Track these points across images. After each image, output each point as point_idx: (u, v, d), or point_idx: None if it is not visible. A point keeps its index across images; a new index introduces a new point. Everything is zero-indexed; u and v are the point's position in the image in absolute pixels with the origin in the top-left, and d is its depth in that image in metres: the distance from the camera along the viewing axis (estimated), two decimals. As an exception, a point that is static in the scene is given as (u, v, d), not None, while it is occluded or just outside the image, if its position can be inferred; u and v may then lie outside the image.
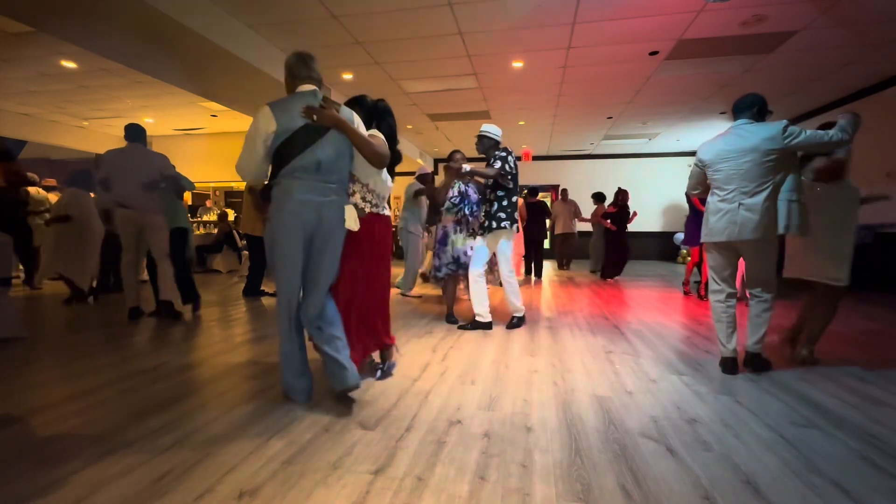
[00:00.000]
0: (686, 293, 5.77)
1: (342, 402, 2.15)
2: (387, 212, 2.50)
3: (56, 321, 4.20)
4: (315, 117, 2.01)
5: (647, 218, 10.27)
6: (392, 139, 2.45)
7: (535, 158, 11.05)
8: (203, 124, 9.61)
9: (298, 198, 2.02)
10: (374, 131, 2.38)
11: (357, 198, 2.37)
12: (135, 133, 4.09)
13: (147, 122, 9.24)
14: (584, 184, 9.76)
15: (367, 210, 2.38)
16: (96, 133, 10.12)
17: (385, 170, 2.42)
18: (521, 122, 8.63)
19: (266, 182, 2.17)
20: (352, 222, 2.14)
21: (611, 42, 5.05)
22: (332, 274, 2.17)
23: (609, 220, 7.46)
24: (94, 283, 5.42)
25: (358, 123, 2.18)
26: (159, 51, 4.63)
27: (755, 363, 2.69)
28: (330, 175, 2.08)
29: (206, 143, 10.33)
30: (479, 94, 6.91)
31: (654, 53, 5.34)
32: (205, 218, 9.75)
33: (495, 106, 7.55)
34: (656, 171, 11.44)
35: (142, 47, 4.56)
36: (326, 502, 1.40)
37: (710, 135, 9.47)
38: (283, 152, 2.01)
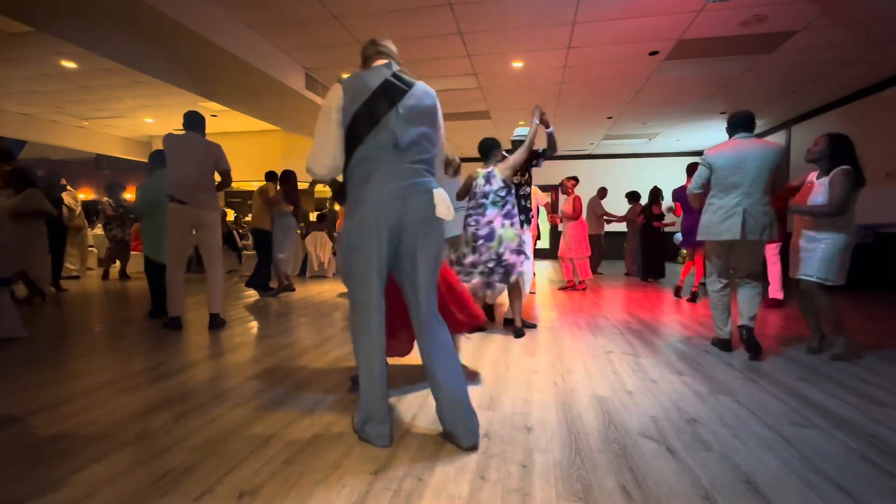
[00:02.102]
0: (690, 299, 5.32)
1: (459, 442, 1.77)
2: None
3: (56, 321, 4.20)
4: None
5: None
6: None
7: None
8: (203, 124, 9.61)
9: (377, 186, 1.70)
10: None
11: None
12: (192, 121, 3.78)
13: (147, 122, 9.24)
14: (584, 184, 9.75)
15: None
16: (96, 133, 10.13)
17: None
18: (521, 123, 8.62)
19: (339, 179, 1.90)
20: (444, 210, 1.79)
21: (611, 42, 5.05)
22: (434, 279, 1.82)
23: (655, 221, 7.19)
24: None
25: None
26: (159, 51, 4.64)
27: (751, 337, 2.97)
28: (413, 154, 1.76)
29: (206, 143, 10.34)
30: (479, 94, 6.91)
31: (654, 53, 5.35)
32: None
33: (495, 106, 7.56)
34: (656, 171, 11.44)
35: (142, 47, 4.56)
36: (326, 502, 1.40)
37: (711, 135, 9.59)
38: (355, 130, 1.72)
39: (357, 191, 1.75)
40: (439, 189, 1.82)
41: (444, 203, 1.80)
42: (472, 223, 3.39)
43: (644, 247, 7.43)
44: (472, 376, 2.58)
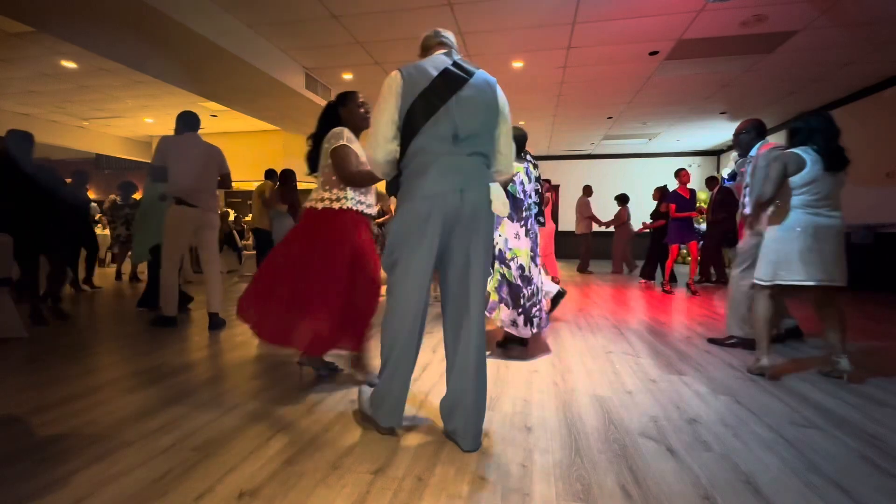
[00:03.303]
0: (667, 291, 5.88)
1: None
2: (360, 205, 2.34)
3: (56, 321, 4.19)
4: None
5: (646, 218, 10.31)
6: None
7: (536, 158, 11.05)
8: (203, 124, 9.56)
9: (436, 178, 1.64)
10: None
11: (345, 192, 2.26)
12: (192, 122, 3.79)
13: (147, 122, 9.24)
14: (584, 184, 9.81)
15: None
16: (96, 133, 10.13)
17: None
18: (521, 122, 8.63)
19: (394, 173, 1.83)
20: (500, 205, 1.72)
21: (611, 42, 5.05)
22: (485, 274, 1.76)
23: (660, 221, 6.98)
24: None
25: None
26: (159, 51, 4.64)
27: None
28: (471, 146, 1.69)
29: (206, 143, 10.35)
30: (479, 94, 6.90)
31: (654, 53, 5.35)
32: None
33: (495, 106, 7.54)
34: (656, 171, 11.45)
35: (141, 47, 4.57)
36: (326, 502, 1.40)
37: (711, 135, 9.59)
38: (412, 119, 1.66)
39: (412, 182, 1.69)
40: (496, 184, 1.76)
41: (500, 198, 1.73)
42: (530, 229, 2.96)
43: (663, 249, 6.79)
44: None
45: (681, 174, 5.87)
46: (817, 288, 2.47)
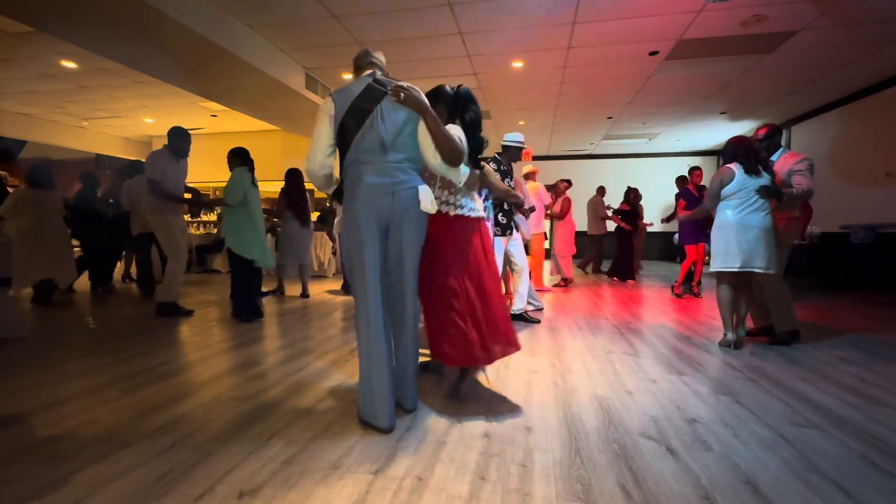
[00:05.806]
0: (678, 295, 5.62)
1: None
2: (471, 212, 2.29)
3: (56, 321, 4.20)
4: (402, 95, 1.85)
5: (646, 218, 10.31)
6: (477, 127, 2.25)
7: (535, 158, 11.04)
8: (203, 124, 9.61)
9: (369, 182, 1.86)
10: (452, 126, 2.11)
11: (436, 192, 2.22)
12: (175, 143, 4.38)
13: (147, 122, 9.24)
14: (584, 184, 9.80)
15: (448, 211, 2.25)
16: (96, 133, 10.13)
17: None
18: (521, 122, 8.63)
19: (335, 186, 2.07)
20: (428, 204, 1.94)
21: (611, 42, 5.05)
22: (416, 264, 2.01)
23: (620, 217, 7.19)
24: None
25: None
26: (159, 51, 4.64)
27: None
28: (397, 154, 1.91)
29: (206, 143, 10.32)
30: (479, 95, 6.90)
31: (654, 53, 5.35)
32: (204, 218, 9.75)
33: (495, 106, 7.56)
34: (656, 171, 11.45)
35: (142, 47, 4.56)
36: (326, 502, 1.40)
37: (711, 135, 9.60)
38: (343, 135, 1.90)
39: (351, 188, 1.93)
40: (424, 186, 1.98)
41: (427, 198, 1.96)
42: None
43: (618, 246, 7.30)
44: (472, 377, 2.58)
45: (694, 173, 5.78)
46: (740, 272, 3.08)
